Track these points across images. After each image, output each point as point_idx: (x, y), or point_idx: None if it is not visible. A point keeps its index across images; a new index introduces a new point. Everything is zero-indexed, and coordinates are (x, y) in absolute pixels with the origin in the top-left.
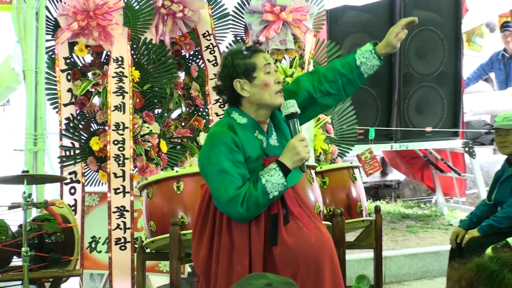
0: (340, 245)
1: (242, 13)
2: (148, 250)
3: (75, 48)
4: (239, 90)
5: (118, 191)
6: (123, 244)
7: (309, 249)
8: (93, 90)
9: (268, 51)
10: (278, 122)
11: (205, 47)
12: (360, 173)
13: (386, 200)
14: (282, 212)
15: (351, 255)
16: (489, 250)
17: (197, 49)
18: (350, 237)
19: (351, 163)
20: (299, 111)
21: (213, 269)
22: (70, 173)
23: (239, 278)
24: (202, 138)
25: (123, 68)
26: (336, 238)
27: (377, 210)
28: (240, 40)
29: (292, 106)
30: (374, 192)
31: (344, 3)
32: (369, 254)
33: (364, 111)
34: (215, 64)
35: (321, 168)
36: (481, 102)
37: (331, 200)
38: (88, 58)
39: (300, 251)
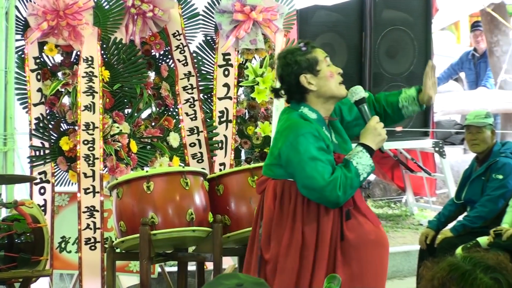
0: None
1: (212, 13)
2: (118, 250)
3: (45, 48)
4: (306, 85)
5: (88, 191)
6: (93, 244)
7: (369, 246)
8: (63, 90)
9: (237, 51)
10: (332, 121)
11: (175, 46)
12: None
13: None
14: (352, 207)
15: None
16: (459, 250)
17: (167, 48)
18: None
19: None
20: (367, 95)
21: (281, 263)
22: (40, 173)
23: (305, 274)
24: (172, 138)
25: (93, 68)
26: None
27: None
28: (210, 40)
29: (360, 91)
30: None
31: (314, 3)
32: None
33: None
34: (185, 64)
35: None
36: (451, 102)
37: None
38: (58, 58)
39: (360, 247)
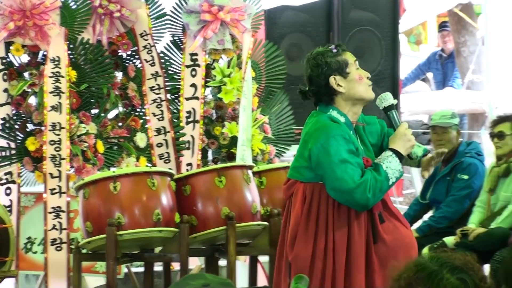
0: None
1: (180, 13)
2: (84, 251)
3: (11, 48)
4: (335, 86)
5: (54, 191)
6: (59, 244)
7: (405, 248)
8: (29, 90)
9: (205, 51)
10: (362, 135)
11: (143, 47)
12: None
13: None
14: (381, 210)
15: None
16: (426, 250)
17: (134, 49)
18: None
19: (288, 163)
20: (395, 102)
21: (317, 266)
22: (5, 174)
23: (339, 276)
24: (139, 138)
25: (60, 68)
26: (273, 238)
27: None
28: (178, 40)
29: (390, 98)
30: None
31: (282, 3)
32: None
33: (302, 111)
34: (153, 64)
35: (258, 168)
36: (418, 102)
37: (268, 200)
38: (25, 58)
39: (397, 250)
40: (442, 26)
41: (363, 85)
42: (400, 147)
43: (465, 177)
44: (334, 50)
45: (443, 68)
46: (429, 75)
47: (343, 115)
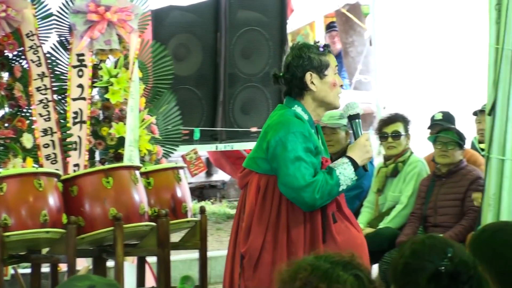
0: (165, 246)
1: (67, 13)
2: None
3: None
4: (308, 83)
5: None
6: None
7: (355, 250)
8: None
9: (92, 52)
10: (321, 134)
11: (29, 47)
12: (185, 173)
13: (211, 200)
14: (334, 210)
15: (176, 256)
16: None
17: (20, 49)
18: (175, 237)
19: (176, 163)
20: (362, 112)
21: (264, 258)
22: None
23: None
24: (25, 139)
25: None
26: (161, 239)
27: (202, 210)
28: (64, 41)
29: (357, 107)
30: (199, 192)
31: (169, 3)
32: (194, 254)
33: (189, 112)
34: (39, 65)
35: (146, 168)
36: None
37: (156, 201)
38: None
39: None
40: (330, 27)
41: (335, 91)
42: (357, 156)
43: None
44: (321, 49)
45: None
46: None
47: (307, 113)
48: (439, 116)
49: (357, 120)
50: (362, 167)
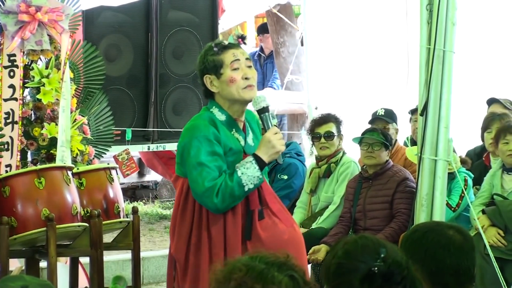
0: (98, 247)
1: None
2: None
3: None
4: (209, 86)
5: None
6: None
7: (281, 245)
8: None
9: (23, 52)
10: (249, 123)
11: None
12: (117, 174)
13: (144, 201)
14: (259, 208)
15: (109, 256)
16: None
17: None
18: (108, 238)
19: (108, 164)
20: (270, 105)
21: (191, 260)
22: None
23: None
24: None
25: None
26: (93, 240)
27: (135, 211)
28: None
29: (263, 101)
30: (132, 193)
31: (100, 3)
32: (127, 255)
33: (121, 112)
34: None
35: (78, 169)
36: None
37: (88, 201)
38: None
39: (272, 246)
40: (262, 27)
41: (236, 86)
42: (262, 153)
43: (285, 177)
44: (215, 49)
45: (262, 68)
46: None
47: (224, 113)
48: (381, 112)
49: (266, 114)
50: (277, 161)
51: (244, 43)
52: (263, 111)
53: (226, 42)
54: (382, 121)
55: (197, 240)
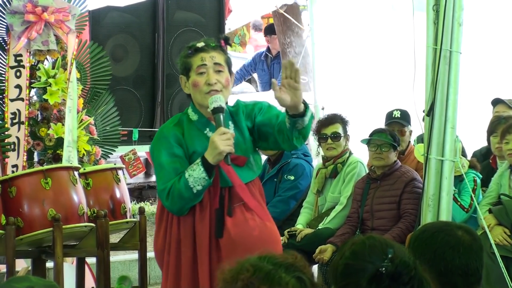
0: (104, 247)
1: (4, 14)
2: None
3: None
4: (183, 87)
5: None
6: None
7: (250, 241)
8: None
9: (29, 52)
10: (238, 120)
11: None
12: (124, 174)
13: (150, 201)
14: (231, 204)
15: (116, 257)
16: None
17: None
18: (114, 238)
19: (115, 164)
20: (223, 106)
21: (165, 259)
22: None
23: (185, 269)
24: None
25: None
26: (100, 240)
27: (141, 211)
28: (2, 41)
29: (214, 102)
30: (138, 193)
31: (107, 4)
32: (134, 255)
33: (128, 112)
34: None
35: (84, 169)
36: None
37: (95, 202)
38: None
39: (242, 242)
40: (269, 28)
41: (199, 91)
42: (207, 154)
43: (291, 177)
44: (189, 52)
45: (269, 69)
46: (255, 75)
47: (197, 113)
48: (397, 114)
49: (220, 114)
50: (225, 161)
51: (229, 45)
52: (215, 111)
53: (200, 45)
54: (398, 124)
55: (170, 239)
